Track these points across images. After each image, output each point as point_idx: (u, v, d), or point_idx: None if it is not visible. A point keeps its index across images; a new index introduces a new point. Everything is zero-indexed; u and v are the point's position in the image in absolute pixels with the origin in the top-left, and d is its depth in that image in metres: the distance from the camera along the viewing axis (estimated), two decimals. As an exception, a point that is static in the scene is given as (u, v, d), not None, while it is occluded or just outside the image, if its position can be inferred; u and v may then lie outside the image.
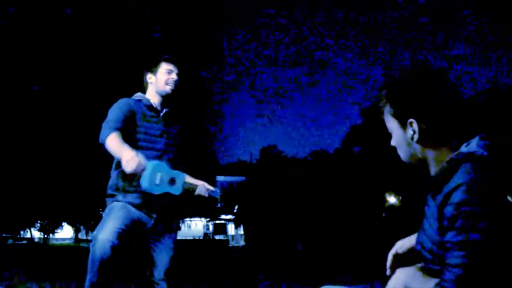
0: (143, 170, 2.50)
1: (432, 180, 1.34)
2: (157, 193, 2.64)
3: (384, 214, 26.93)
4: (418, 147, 1.38)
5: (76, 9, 15.36)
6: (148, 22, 16.86)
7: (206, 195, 2.89)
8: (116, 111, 2.72)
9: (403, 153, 1.44)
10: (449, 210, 1.23)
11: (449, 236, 1.22)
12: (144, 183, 2.58)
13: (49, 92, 16.02)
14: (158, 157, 2.76)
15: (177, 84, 2.92)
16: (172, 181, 2.71)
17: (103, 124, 2.66)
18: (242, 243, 37.72)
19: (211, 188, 2.93)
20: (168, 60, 2.93)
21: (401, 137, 1.41)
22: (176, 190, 2.74)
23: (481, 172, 1.24)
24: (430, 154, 1.37)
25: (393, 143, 1.47)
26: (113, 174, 2.78)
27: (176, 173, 2.75)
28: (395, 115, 1.41)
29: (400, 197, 26.89)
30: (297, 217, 26.59)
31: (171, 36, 17.39)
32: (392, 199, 28.00)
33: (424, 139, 1.36)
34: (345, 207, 25.41)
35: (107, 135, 2.57)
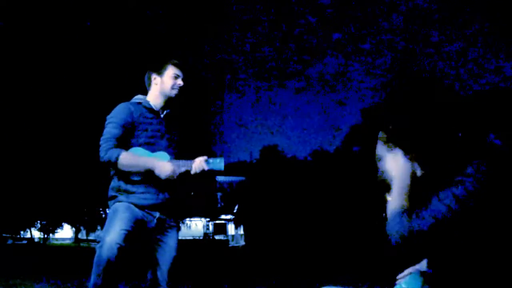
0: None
1: (448, 175, 1.34)
2: (139, 177, 2.69)
3: (384, 214, 26.90)
4: None
5: (76, 10, 15.36)
6: (148, 22, 16.86)
7: (206, 168, 2.75)
8: (113, 123, 2.73)
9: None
10: (457, 179, 1.24)
11: (441, 191, 1.24)
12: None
13: (49, 93, 16.01)
14: None
15: (182, 89, 2.95)
16: None
17: (103, 141, 2.70)
18: (242, 243, 37.73)
19: (208, 159, 2.77)
20: (176, 65, 2.94)
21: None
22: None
23: (494, 165, 1.26)
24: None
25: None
26: (115, 176, 2.78)
27: (159, 154, 2.76)
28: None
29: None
30: (297, 217, 26.60)
31: (172, 36, 17.40)
32: (392, 199, 27.95)
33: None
34: (345, 207, 25.41)
35: (117, 156, 2.65)
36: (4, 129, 15.55)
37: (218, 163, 2.74)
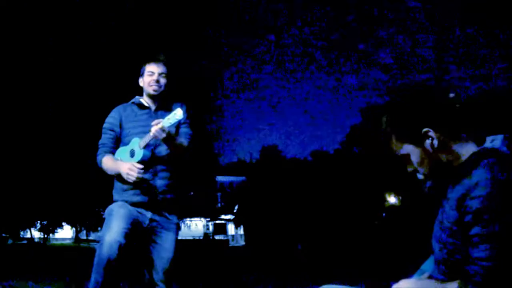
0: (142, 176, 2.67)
1: (454, 172, 1.35)
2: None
3: (384, 214, 26.94)
4: (441, 154, 1.38)
5: (78, 10, 15.36)
6: (149, 21, 16.86)
7: (165, 125, 2.57)
8: (104, 129, 2.90)
9: (428, 167, 1.42)
10: (473, 203, 1.23)
11: (476, 230, 1.22)
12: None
13: (49, 93, 16.02)
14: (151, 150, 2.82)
15: (161, 84, 2.88)
16: (132, 152, 2.75)
17: (99, 145, 2.88)
18: (242, 243, 37.72)
19: (163, 119, 2.59)
20: (151, 61, 2.91)
21: (421, 154, 1.40)
22: (138, 155, 2.72)
23: (504, 167, 1.26)
24: (455, 154, 1.38)
25: (412, 167, 1.45)
26: (115, 179, 2.85)
27: (131, 143, 2.77)
28: (407, 139, 1.41)
29: (400, 197, 26.89)
30: (297, 217, 26.60)
31: (171, 36, 17.40)
32: (392, 199, 28.00)
33: (442, 143, 1.37)
34: (345, 207, 25.41)
35: (101, 160, 2.82)
36: (5, 129, 15.56)
37: (175, 115, 2.58)
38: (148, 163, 2.73)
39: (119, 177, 2.76)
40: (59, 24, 15.20)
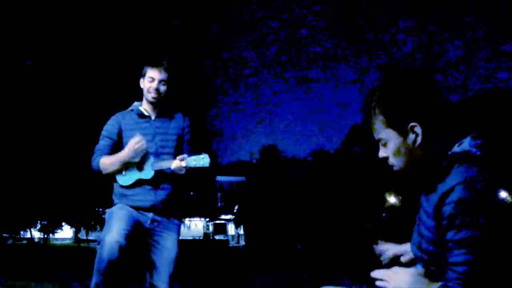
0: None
1: (426, 180, 1.34)
2: (127, 183, 2.73)
3: (384, 214, 26.93)
4: (418, 152, 1.34)
5: (83, 14, 15.35)
6: (150, 21, 16.85)
7: (185, 165, 2.63)
8: (101, 135, 2.88)
9: (401, 162, 1.37)
10: (447, 209, 1.23)
11: (450, 235, 1.22)
12: (117, 179, 2.78)
13: (50, 94, 16.01)
14: None
15: (161, 92, 2.82)
16: (140, 167, 2.73)
17: (95, 151, 2.86)
18: (242, 243, 37.73)
19: (189, 158, 2.65)
20: (152, 66, 2.83)
21: (400, 145, 1.35)
22: (147, 174, 2.72)
23: (476, 171, 1.25)
24: (431, 155, 1.34)
25: (385, 153, 1.39)
26: (114, 183, 2.84)
27: (144, 173, 2.75)
28: (392, 124, 1.35)
29: (400, 197, 26.90)
30: (297, 217, 26.60)
31: (171, 36, 17.39)
32: (392, 199, 28.01)
33: (423, 142, 1.32)
34: (345, 207, 25.41)
35: (98, 163, 2.80)
36: (5, 129, 15.56)
37: (202, 160, 2.63)
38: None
39: (118, 180, 2.78)
40: (60, 25, 15.19)
